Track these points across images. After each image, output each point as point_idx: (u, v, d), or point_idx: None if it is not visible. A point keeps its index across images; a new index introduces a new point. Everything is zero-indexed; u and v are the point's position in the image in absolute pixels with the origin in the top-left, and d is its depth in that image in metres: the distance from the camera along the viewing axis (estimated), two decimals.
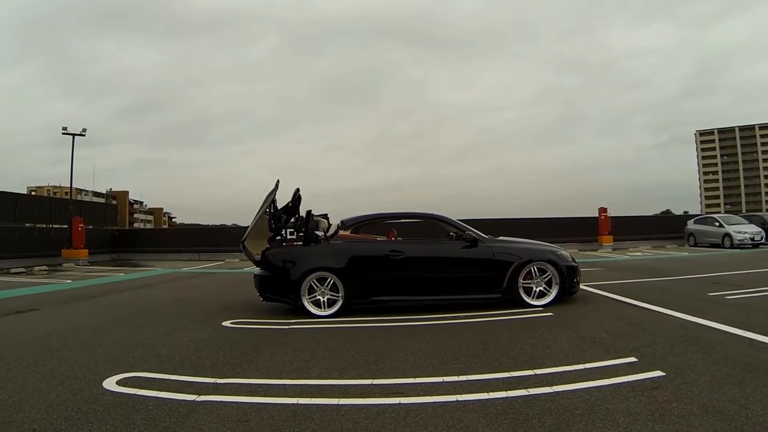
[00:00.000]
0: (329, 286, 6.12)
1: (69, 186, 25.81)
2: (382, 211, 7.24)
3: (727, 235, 17.64)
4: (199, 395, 3.23)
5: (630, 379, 3.22)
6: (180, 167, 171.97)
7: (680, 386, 3.07)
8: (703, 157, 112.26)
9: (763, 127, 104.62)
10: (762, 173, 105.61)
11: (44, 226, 20.06)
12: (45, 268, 16.21)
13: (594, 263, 12.73)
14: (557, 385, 3.19)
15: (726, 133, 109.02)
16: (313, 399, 3.13)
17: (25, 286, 10.91)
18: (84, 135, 24.94)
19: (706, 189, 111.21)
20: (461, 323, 5.38)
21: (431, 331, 5.08)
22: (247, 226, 6.75)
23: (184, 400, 3.16)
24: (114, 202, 50.49)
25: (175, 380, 3.58)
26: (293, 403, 3.07)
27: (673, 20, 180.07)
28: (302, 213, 6.66)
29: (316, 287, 6.13)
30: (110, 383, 3.53)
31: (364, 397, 3.13)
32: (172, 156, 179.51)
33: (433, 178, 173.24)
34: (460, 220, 6.91)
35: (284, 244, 6.64)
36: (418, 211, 7.53)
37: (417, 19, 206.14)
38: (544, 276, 6.18)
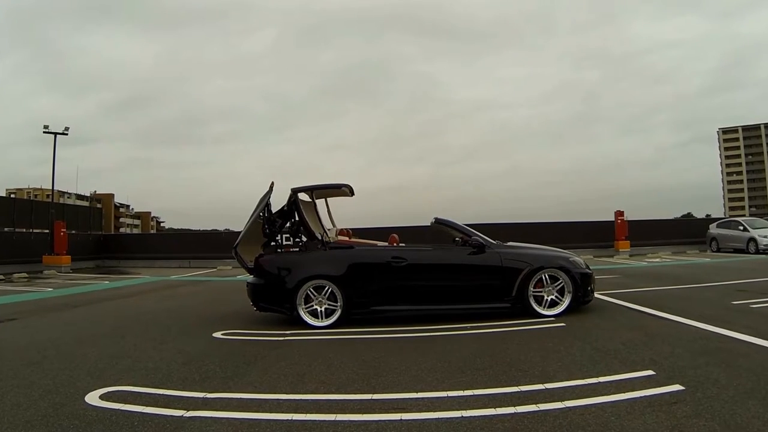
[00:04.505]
0: (327, 295, 6.12)
1: (51, 188, 25.90)
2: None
3: (752, 239, 17.58)
4: (188, 410, 3.24)
5: (647, 394, 3.22)
6: (169, 168, 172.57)
7: (700, 401, 3.06)
8: (727, 157, 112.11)
9: None
10: None
11: (24, 230, 20.14)
12: (25, 275, 16.25)
13: (610, 270, 12.72)
14: (569, 400, 3.18)
15: (751, 131, 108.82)
16: (308, 415, 3.13)
17: (3, 294, 10.94)
18: (66, 134, 25.11)
19: (729, 190, 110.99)
20: (467, 334, 5.38)
21: (435, 342, 5.09)
22: (240, 232, 6.77)
23: (171, 415, 3.17)
24: (98, 205, 50.56)
25: (162, 395, 3.59)
26: (288, 419, 3.07)
27: (699, 10, 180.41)
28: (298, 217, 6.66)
29: (313, 296, 6.14)
30: (93, 397, 3.54)
31: (363, 413, 3.13)
32: (161, 156, 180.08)
33: (440, 180, 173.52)
34: (467, 225, 6.92)
35: (279, 250, 6.66)
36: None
37: (425, 10, 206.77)
38: (555, 284, 6.17)
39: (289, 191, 6.65)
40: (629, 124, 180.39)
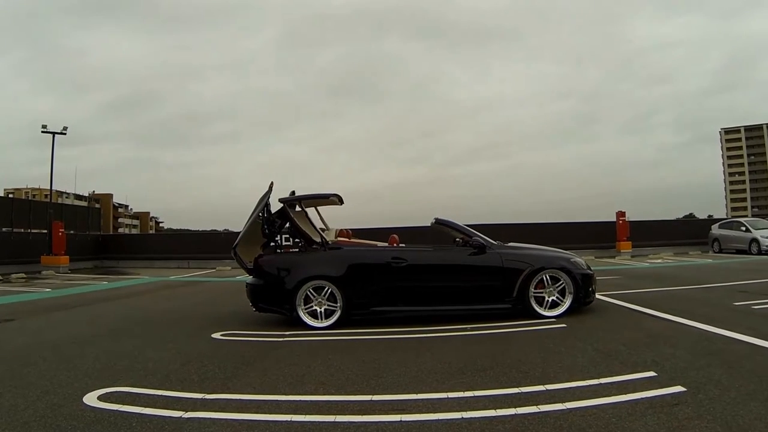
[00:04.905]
0: (327, 296, 6.12)
1: (49, 188, 25.91)
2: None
3: (755, 240, 17.58)
4: (186, 412, 3.24)
5: (648, 395, 3.21)
6: (169, 168, 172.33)
7: (702, 402, 3.06)
8: (729, 157, 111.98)
9: None
10: None
11: (22, 230, 20.15)
12: (23, 275, 16.25)
13: (611, 271, 12.72)
14: (570, 401, 3.18)
15: (753, 131, 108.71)
16: (308, 416, 3.13)
17: (1, 294, 10.93)
18: (65, 133, 25.10)
19: (731, 191, 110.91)
20: (468, 335, 5.38)
21: (435, 343, 5.09)
22: (239, 232, 6.77)
23: (170, 416, 3.17)
24: (97, 205, 50.58)
25: (161, 395, 3.59)
26: (287, 421, 3.07)
27: (702, 10, 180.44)
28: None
29: (312, 297, 6.14)
30: (91, 398, 3.54)
31: (362, 414, 3.13)
32: (160, 156, 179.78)
33: (440, 180, 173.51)
34: (467, 225, 6.92)
35: (279, 250, 6.66)
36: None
37: (426, 10, 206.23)
38: (557, 285, 6.17)
39: (279, 203, 6.65)
40: (630, 124, 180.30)
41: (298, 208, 7.02)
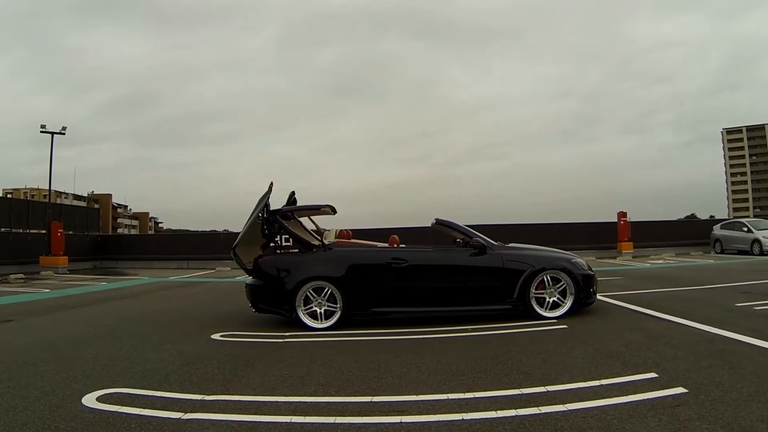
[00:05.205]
0: (327, 297, 6.12)
1: (48, 188, 25.89)
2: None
3: (756, 240, 17.57)
4: (186, 413, 3.24)
5: (650, 397, 3.21)
6: (168, 168, 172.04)
7: (704, 404, 3.06)
8: (731, 157, 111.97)
9: None
10: None
11: (21, 231, 20.16)
12: (21, 276, 16.27)
13: (612, 272, 12.71)
14: (571, 402, 3.18)
15: (755, 131, 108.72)
16: (307, 417, 3.13)
17: (0, 295, 10.94)
18: (64, 133, 25.05)
19: (733, 191, 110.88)
20: (468, 336, 5.38)
21: (436, 344, 5.08)
22: (239, 232, 6.77)
23: (169, 418, 3.17)
24: (96, 205, 50.64)
25: (160, 397, 3.59)
26: (286, 422, 3.07)
27: (703, 9, 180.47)
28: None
29: (312, 297, 6.14)
30: (90, 400, 3.54)
31: (362, 416, 3.13)
32: (159, 156, 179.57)
33: (441, 180, 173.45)
34: (468, 225, 6.92)
35: (279, 251, 6.67)
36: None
37: (426, 10, 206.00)
38: (558, 285, 6.17)
39: (275, 213, 6.64)
40: (630, 124, 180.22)
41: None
